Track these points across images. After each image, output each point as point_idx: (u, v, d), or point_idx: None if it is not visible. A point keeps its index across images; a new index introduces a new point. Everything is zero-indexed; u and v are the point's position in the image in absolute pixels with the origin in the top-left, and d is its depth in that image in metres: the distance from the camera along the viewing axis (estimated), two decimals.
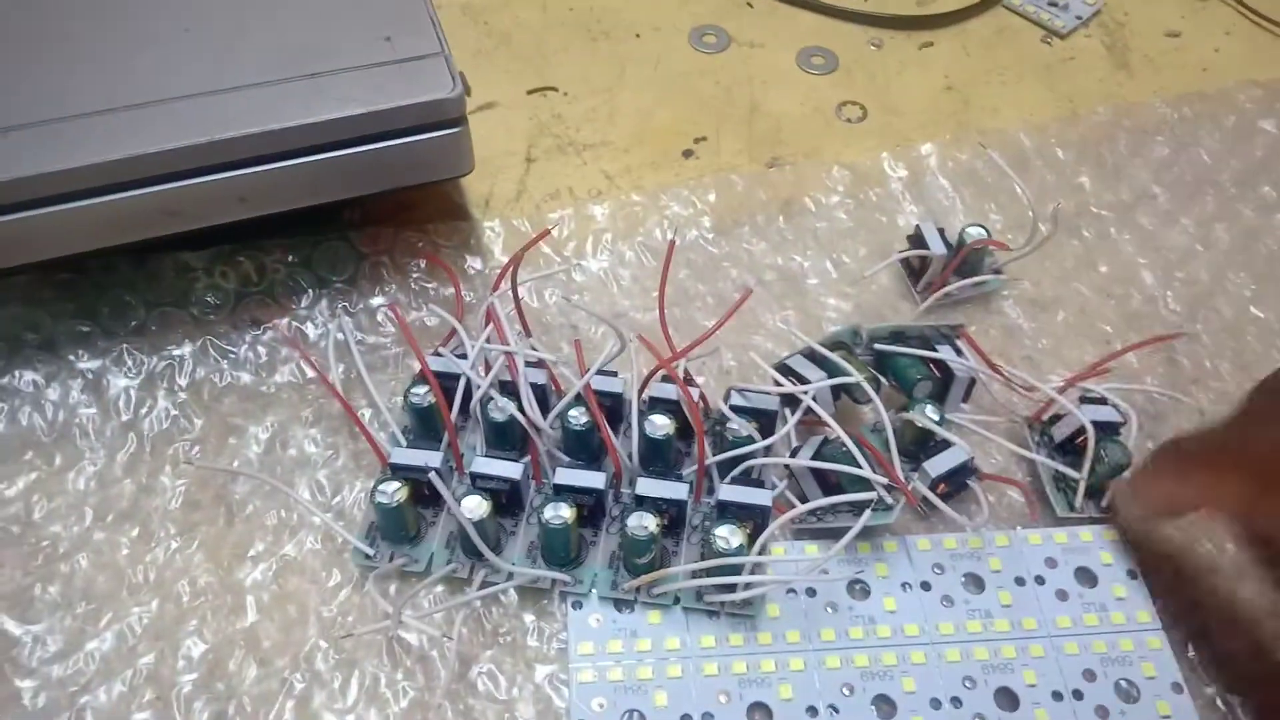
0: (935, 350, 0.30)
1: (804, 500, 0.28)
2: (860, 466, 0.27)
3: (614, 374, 0.29)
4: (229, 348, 0.32)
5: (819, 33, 0.45)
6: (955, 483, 0.29)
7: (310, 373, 0.32)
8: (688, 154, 0.40)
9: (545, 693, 0.26)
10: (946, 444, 0.28)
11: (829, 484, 0.29)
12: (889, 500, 0.27)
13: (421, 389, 0.29)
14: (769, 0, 0.47)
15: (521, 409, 0.28)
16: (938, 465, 0.28)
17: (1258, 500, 0.24)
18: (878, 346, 0.31)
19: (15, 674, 0.26)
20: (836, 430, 0.28)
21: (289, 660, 0.27)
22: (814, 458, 0.28)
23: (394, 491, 0.26)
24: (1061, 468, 0.30)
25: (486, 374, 0.29)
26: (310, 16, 0.31)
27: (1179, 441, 0.27)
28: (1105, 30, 0.46)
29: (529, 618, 0.27)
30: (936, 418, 0.29)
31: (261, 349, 0.32)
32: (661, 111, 0.41)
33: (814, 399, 0.29)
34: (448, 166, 0.31)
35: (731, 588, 0.26)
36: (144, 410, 0.31)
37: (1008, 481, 0.30)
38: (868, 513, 0.27)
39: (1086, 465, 0.29)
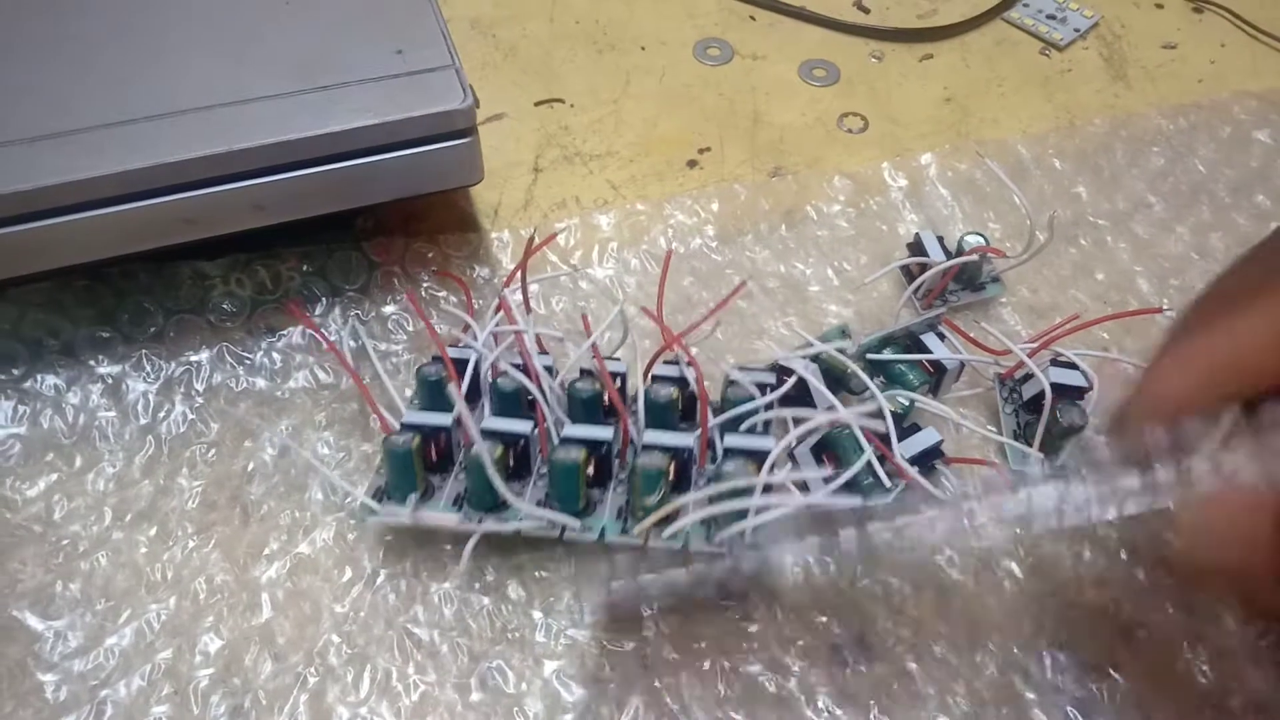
0: (923, 343, 0.32)
1: (805, 490, 0.29)
2: (862, 451, 0.28)
3: (618, 359, 0.30)
4: (245, 354, 0.33)
5: (821, 45, 0.46)
6: (925, 465, 0.29)
7: (324, 378, 0.33)
8: (692, 164, 0.41)
9: (553, 688, 0.27)
10: (916, 427, 0.30)
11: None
12: (888, 484, 0.28)
13: (433, 366, 0.29)
14: (771, 14, 0.47)
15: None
16: (909, 448, 0.29)
17: None
18: (871, 357, 0.32)
19: (38, 668, 0.27)
20: (832, 401, 0.29)
21: (303, 655, 0.27)
22: (815, 444, 0.29)
23: (406, 439, 0.27)
24: (1008, 442, 0.31)
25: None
26: (324, 30, 0.32)
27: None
28: (1103, 42, 0.47)
29: (537, 614, 0.28)
30: (906, 403, 0.30)
31: (276, 355, 0.33)
32: (666, 122, 0.42)
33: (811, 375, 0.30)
34: (458, 176, 0.32)
35: (743, 518, 0.26)
36: (162, 414, 0.32)
37: (977, 462, 0.31)
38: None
39: (1041, 424, 0.30)
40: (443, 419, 0.28)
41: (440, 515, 0.27)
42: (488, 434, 0.28)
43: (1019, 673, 0.27)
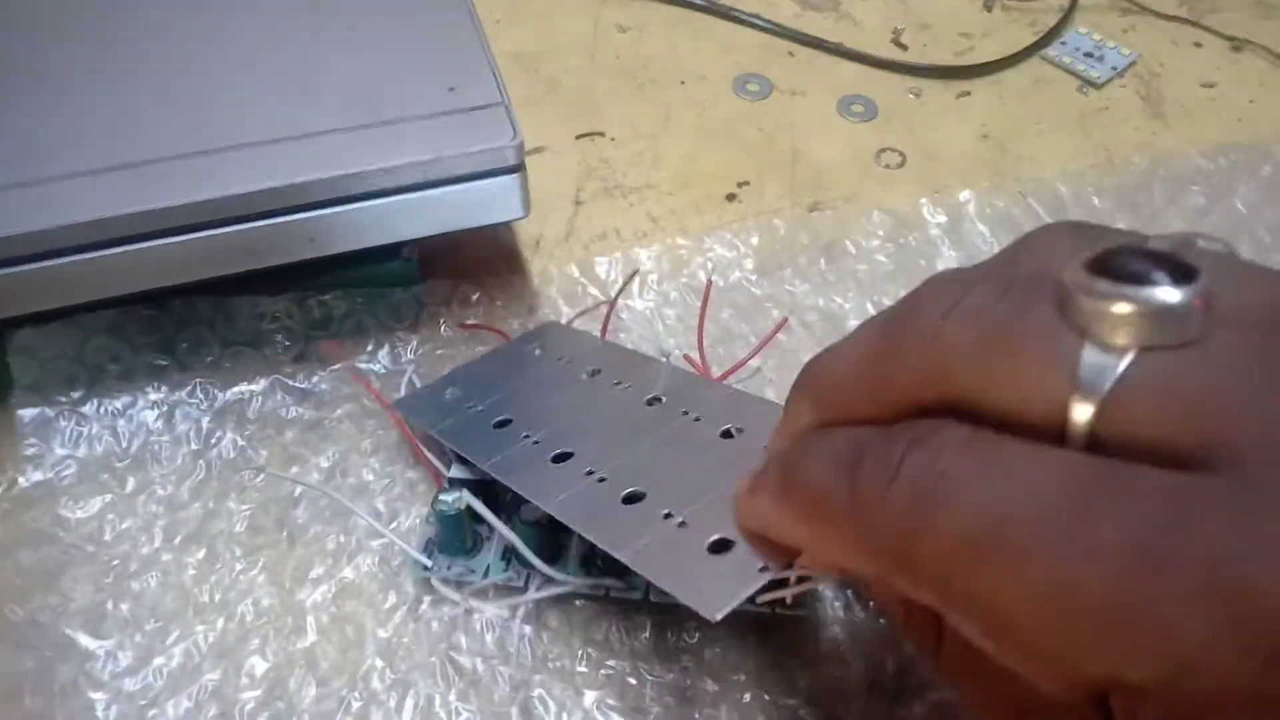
0: None
1: None
2: None
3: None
4: (296, 385, 0.34)
5: (859, 82, 0.47)
6: None
7: (369, 404, 0.33)
8: (731, 198, 0.41)
9: (594, 717, 0.27)
10: None
11: None
12: None
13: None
14: (810, 50, 0.48)
15: None
16: None
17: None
18: None
19: (89, 686, 0.27)
20: None
21: (346, 679, 0.28)
22: None
23: (454, 499, 0.28)
24: None
25: None
26: (379, 67, 0.33)
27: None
28: (1140, 81, 0.47)
29: (577, 643, 0.28)
30: None
31: (325, 387, 0.34)
32: (705, 156, 0.43)
33: None
34: (505, 210, 0.32)
35: (784, 584, 0.25)
36: (213, 441, 0.32)
37: None
38: None
39: None
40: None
41: (489, 607, 0.28)
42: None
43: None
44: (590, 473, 0.27)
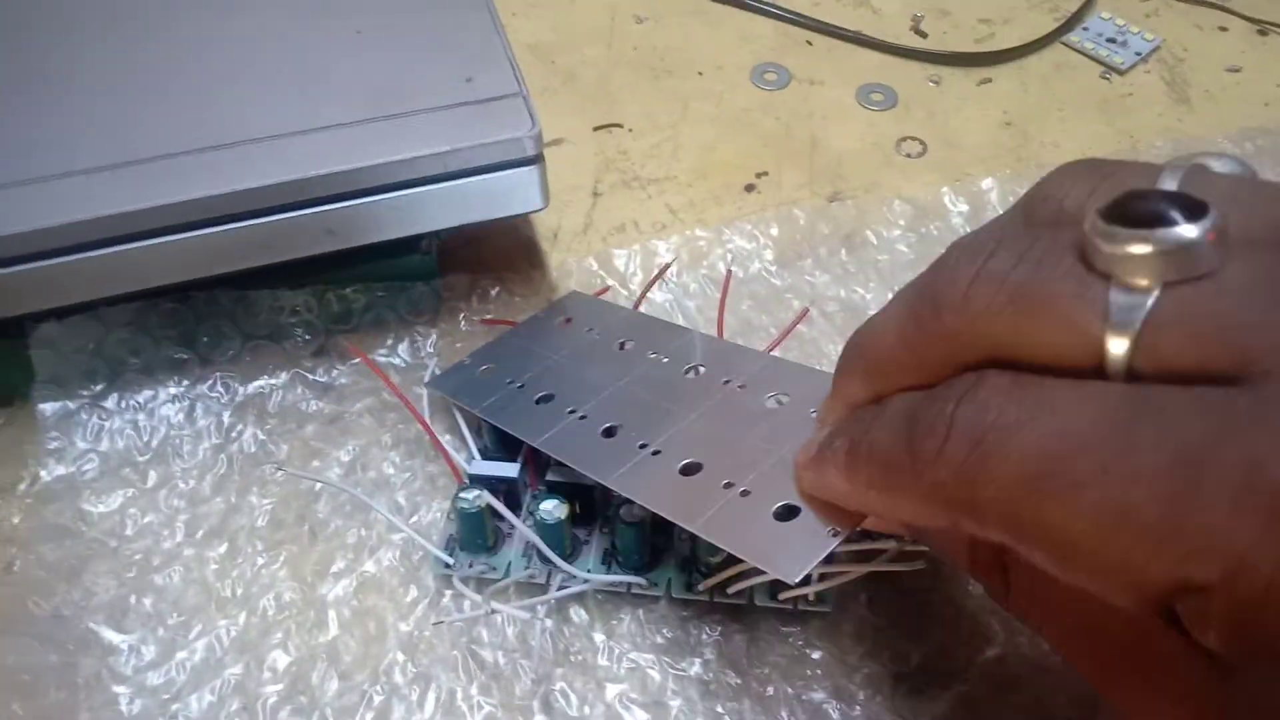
0: None
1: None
2: None
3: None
4: (316, 379, 0.34)
5: (878, 70, 0.46)
6: None
7: (389, 398, 0.33)
8: (750, 188, 0.41)
9: (616, 711, 0.27)
10: None
11: None
12: None
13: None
14: (829, 38, 0.48)
15: None
16: None
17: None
18: None
19: (113, 680, 0.27)
20: None
21: (368, 673, 0.28)
22: None
23: (475, 498, 0.28)
24: None
25: None
26: (395, 58, 0.33)
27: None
28: (1165, 66, 0.47)
29: (599, 637, 0.28)
30: None
31: (345, 381, 0.34)
32: (724, 147, 0.43)
33: None
34: (524, 202, 0.32)
35: (807, 580, 0.25)
36: (234, 434, 0.32)
37: None
38: None
39: None
40: (509, 470, 0.29)
41: (509, 609, 0.28)
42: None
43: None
44: (644, 446, 0.26)
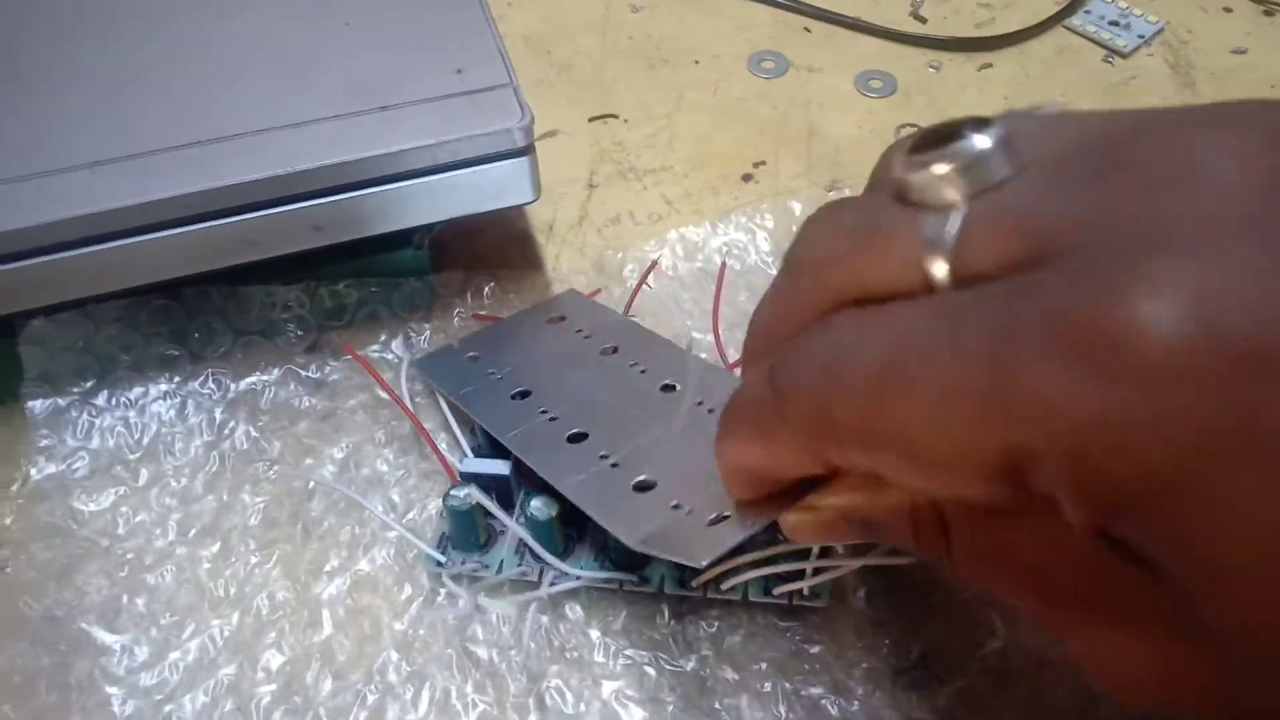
0: None
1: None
2: None
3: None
4: (309, 375, 0.33)
5: (877, 56, 0.46)
6: None
7: (383, 395, 0.33)
8: (747, 178, 0.41)
9: (613, 709, 0.27)
10: None
11: None
12: None
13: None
14: (827, 25, 0.47)
15: None
16: None
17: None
18: None
19: (105, 681, 0.27)
20: None
21: (363, 673, 0.27)
22: None
23: (465, 496, 0.27)
24: None
25: None
26: (383, 50, 0.32)
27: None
28: (1169, 49, 0.46)
29: (594, 633, 0.28)
30: None
31: (338, 378, 0.33)
32: (720, 136, 0.42)
33: None
34: (515, 194, 0.32)
35: (800, 574, 0.26)
36: (226, 432, 0.32)
37: None
38: None
39: None
40: (501, 468, 0.28)
41: (499, 604, 0.28)
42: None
43: (1105, 699, 0.27)
44: (605, 456, 0.27)
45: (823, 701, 0.27)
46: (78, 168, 0.29)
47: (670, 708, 0.27)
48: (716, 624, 0.28)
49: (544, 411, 0.29)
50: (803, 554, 0.26)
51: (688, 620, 0.28)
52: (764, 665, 0.27)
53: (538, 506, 0.27)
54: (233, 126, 0.30)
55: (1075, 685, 0.27)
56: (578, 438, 0.28)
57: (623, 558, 0.28)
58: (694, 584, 0.27)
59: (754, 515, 0.22)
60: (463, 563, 0.28)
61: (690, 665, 0.27)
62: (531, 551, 0.28)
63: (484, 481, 0.28)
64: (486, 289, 0.36)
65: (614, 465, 0.26)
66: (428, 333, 0.35)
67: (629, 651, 0.27)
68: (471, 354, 0.32)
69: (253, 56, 0.32)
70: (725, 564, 0.26)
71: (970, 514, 0.19)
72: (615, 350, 0.31)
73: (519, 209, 0.38)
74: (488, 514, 0.28)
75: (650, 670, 0.27)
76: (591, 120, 0.43)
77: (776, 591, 0.27)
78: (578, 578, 0.27)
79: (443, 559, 0.28)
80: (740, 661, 0.27)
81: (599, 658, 0.27)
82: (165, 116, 0.30)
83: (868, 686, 0.27)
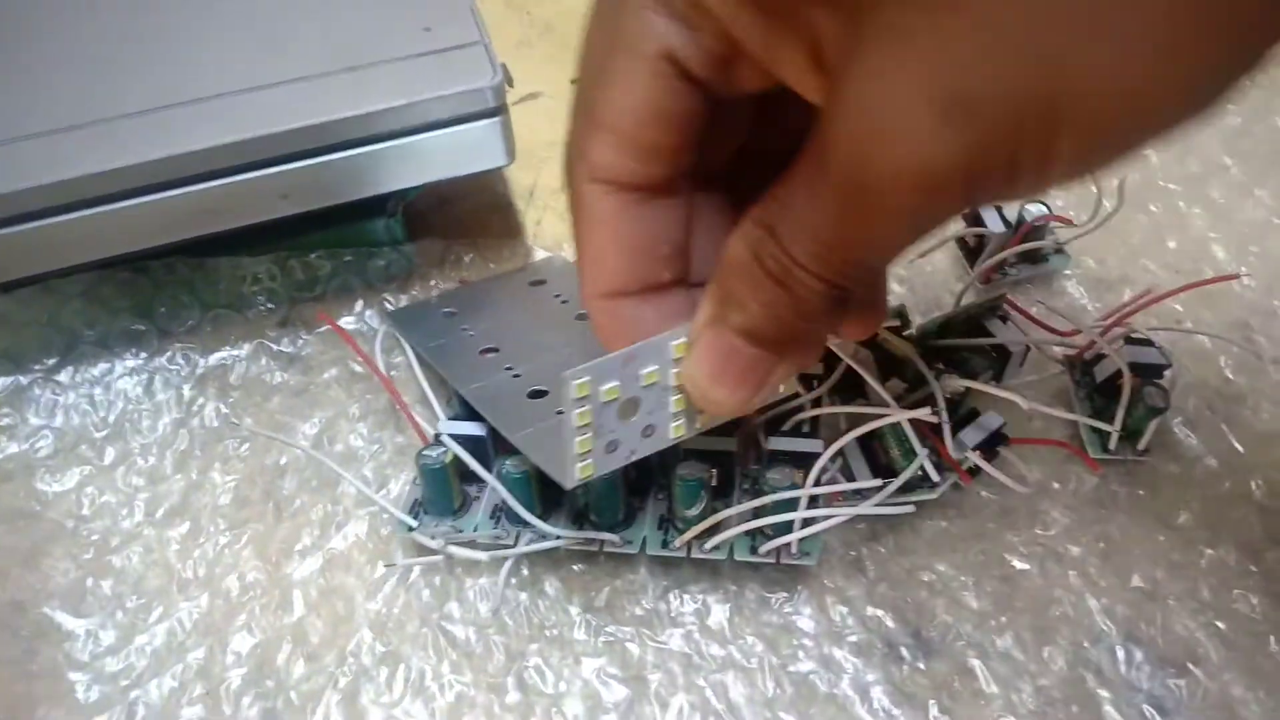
0: (985, 327, 0.30)
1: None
2: (909, 441, 0.27)
3: None
4: (281, 349, 0.32)
5: None
6: (989, 451, 0.27)
7: (357, 369, 0.32)
8: None
9: (594, 687, 0.26)
10: (975, 413, 0.28)
11: (879, 465, 0.28)
12: (935, 478, 0.27)
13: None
14: None
15: None
16: (971, 436, 0.27)
17: None
18: (931, 343, 0.30)
19: (69, 667, 0.26)
20: (885, 397, 0.27)
21: (335, 654, 0.26)
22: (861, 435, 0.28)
23: (439, 454, 0.26)
24: (1086, 420, 0.29)
25: None
26: (349, 9, 0.31)
27: None
28: None
29: (575, 610, 0.27)
30: (962, 388, 0.28)
31: (311, 351, 0.32)
32: None
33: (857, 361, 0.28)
34: (489, 157, 0.31)
35: (788, 530, 0.25)
36: (195, 409, 0.31)
37: (1047, 443, 0.29)
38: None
39: (1121, 407, 0.28)
40: (478, 429, 0.27)
41: (471, 553, 0.27)
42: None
43: (1090, 669, 0.26)
44: (560, 412, 0.25)
45: (811, 677, 0.26)
46: (37, 135, 0.28)
47: (654, 685, 0.26)
48: (701, 598, 0.27)
49: (509, 369, 0.29)
50: (790, 505, 0.25)
51: (672, 594, 0.27)
52: (750, 640, 0.26)
53: (513, 464, 0.26)
54: (194, 91, 0.29)
55: (1065, 662, 0.26)
56: (538, 394, 0.28)
57: (603, 517, 0.27)
58: (676, 544, 0.26)
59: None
60: (436, 527, 0.27)
61: (674, 642, 0.26)
62: (508, 514, 0.27)
63: (460, 442, 0.27)
64: (467, 259, 0.35)
65: None
66: (403, 302, 0.34)
67: (610, 628, 0.26)
68: (448, 309, 0.32)
69: (217, 18, 0.31)
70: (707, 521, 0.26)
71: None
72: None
73: (496, 173, 0.37)
74: (463, 479, 0.27)
75: (633, 647, 0.26)
76: (574, 82, 0.41)
77: (763, 550, 0.26)
78: (557, 537, 0.26)
79: (415, 525, 0.27)
80: (726, 637, 0.26)
81: (580, 635, 0.26)
82: (125, 81, 0.29)
83: (857, 661, 0.26)
